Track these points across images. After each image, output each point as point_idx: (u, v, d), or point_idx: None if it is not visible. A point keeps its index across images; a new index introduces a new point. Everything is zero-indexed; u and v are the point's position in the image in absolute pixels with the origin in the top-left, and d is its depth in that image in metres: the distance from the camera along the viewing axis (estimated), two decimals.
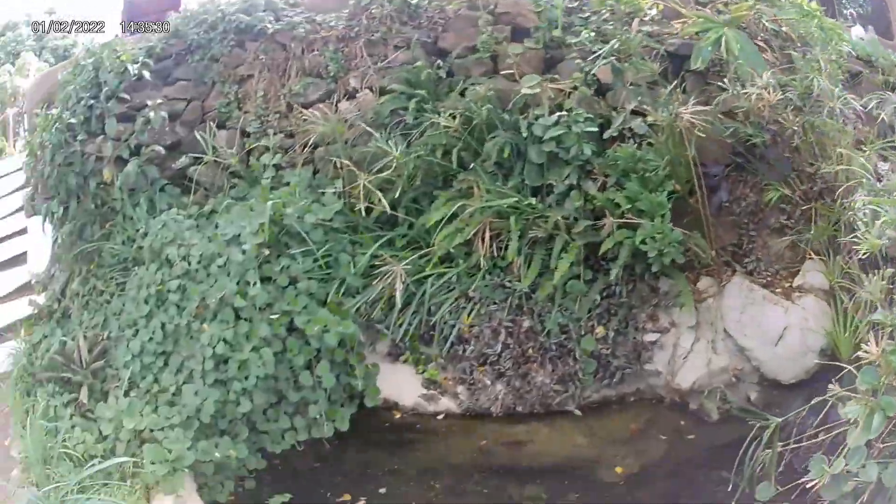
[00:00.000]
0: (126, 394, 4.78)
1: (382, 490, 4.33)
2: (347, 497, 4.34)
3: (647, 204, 4.49)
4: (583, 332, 4.42)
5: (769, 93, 4.45)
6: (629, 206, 4.50)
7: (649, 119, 4.66)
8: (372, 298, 4.64)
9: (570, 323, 4.42)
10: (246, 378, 4.42)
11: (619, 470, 4.27)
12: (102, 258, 5.44)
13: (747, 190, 4.78)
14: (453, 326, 4.53)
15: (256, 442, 4.59)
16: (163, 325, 4.84)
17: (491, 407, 4.45)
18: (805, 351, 4.26)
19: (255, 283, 4.54)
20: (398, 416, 4.62)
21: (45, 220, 5.78)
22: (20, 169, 7.25)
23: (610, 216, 4.50)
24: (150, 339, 4.86)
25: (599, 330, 4.43)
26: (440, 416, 4.55)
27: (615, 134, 4.77)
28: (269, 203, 4.71)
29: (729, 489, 3.71)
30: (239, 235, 4.77)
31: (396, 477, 4.46)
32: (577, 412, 4.40)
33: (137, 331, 4.94)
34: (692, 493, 4.16)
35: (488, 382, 4.46)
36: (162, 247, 5.00)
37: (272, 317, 4.50)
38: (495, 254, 4.64)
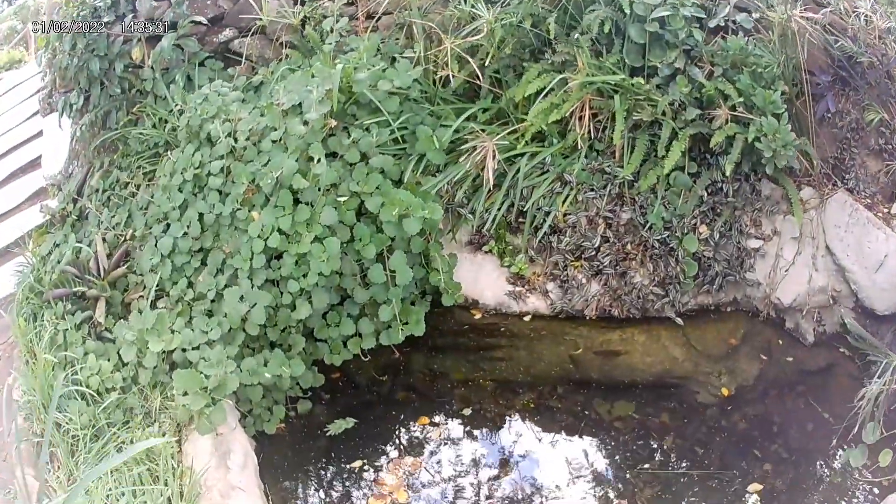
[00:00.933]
0: (153, 305, 3.88)
1: (467, 411, 3.68)
2: (424, 420, 3.65)
3: (761, 100, 4.06)
4: (685, 231, 3.94)
5: (877, 17, 4.23)
6: (740, 99, 4.06)
7: (755, 15, 4.25)
8: (455, 178, 3.93)
9: (673, 219, 3.92)
10: (305, 276, 3.63)
11: (724, 392, 3.84)
12: (128, 146, 4.64)
13: (849, 105, 4.47)
14: (547, 214, 3.91)
15: (312, 353, 3.81)
16: (200, 217, 3.98)
17: (585, 309, 3.88)
18: None
19: (319, 160, 3.72)
20: (478, 316, 3.95)
21: (62, 115, 4.96)
22: (39, 73, 6.03)
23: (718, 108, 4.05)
24: (185, 234, 3.99)
25: (703, 229, 3.97)
26: (526, 318, 3.93)
27: (721, 24, 4.32)
28: (339, 66, 3.88)
29: (828, 419, 3.37)
30: (300, 105, 3.92)
31: (475, 391, 3.82)
32: (678, 320, 3.92)
33: (169, 225, 4.06)
34: (789, 422, 3.81)
35: (583, 280, 3.88)
36: (202, 123, 4.10)
37: (339, 199, 3.70)
38: (592, 135, 4.06)
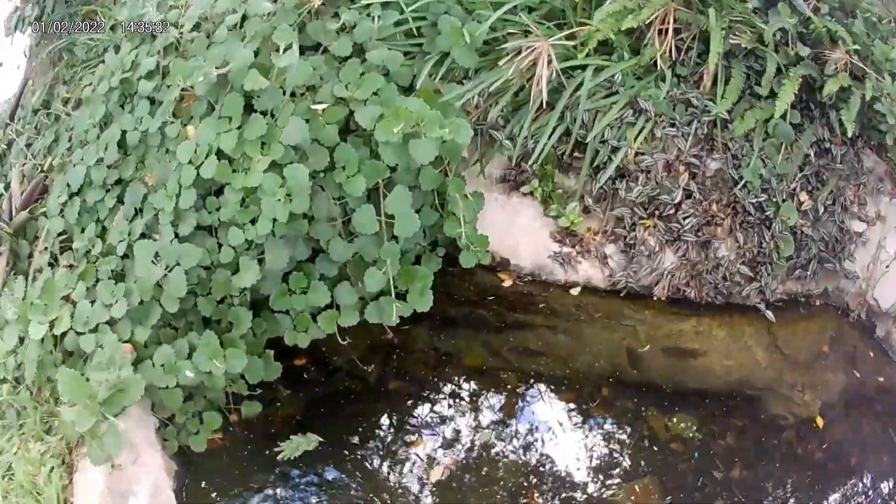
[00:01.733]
0: (51, 264, 2.63)
1: (480, 417, 2.56)
2: (417, 444, 2.52)
3: (880, 54, 3.14)
4: (784, 197, 2.96)
5: None
6: (855, 46, 3.13)
7: None
8: (490, 89, 2.75)
9: (772, 179, 2.93)
10: (253, 222, 2.36)
11: (817, 420, 2.90)
12: (74, 55, 3.69)
13: None
14: (615, 150, 2.81)
15: (266, 331, 2.57)
16: (123, 136, 2.74)
17: (654, 286, 2.82)
18: None
19: (288, 48, 2.46)
20: (507, 282, 2.81)
21: (14, 32, 4.20)
22: None
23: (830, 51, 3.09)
24: (99, 160, 2.63)
25: (804, 198, 3.00)
26: (573, 290, 2.83)
27: None
28: None
29: None
30: None
31: (493, 385, 2.70)
32: (769, 313, 2.93)
33: (88, 149, 2.70)
34: (876, 458, 2.94)
35: (655, 246, 2.82)
36: (142, 16, 2.76)
37: (315, 106, 2.47)
38: (674, 56, 2.99)
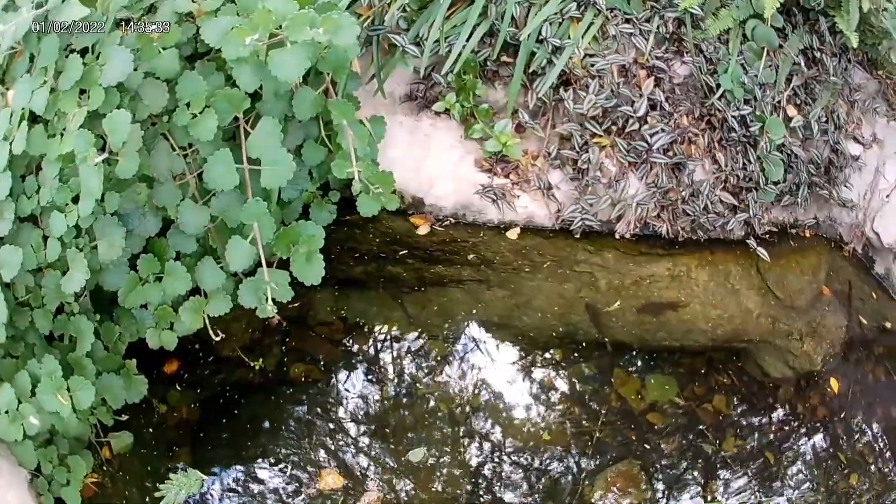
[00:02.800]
0: None
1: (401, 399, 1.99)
2: (329, 478, 1.92)
3: None
4: (769, 111, 2.40)
5: None
6: None
7: None
8: None
9: (755, 89, 2.36)
10: (76, 200, 1.78)
11: (819, 372, 2.39)
12: None
13: None
14: (557, 50, 2.20)
15: (122, 336, 1.98)
16: None
17: (616, 221, 2.23)
18: None
19: None
20: (423, 230, 2.19)
21: None
22: None
23: None
24: None
25: (793, 112, 2.45)
26: (511, 233, 2.22)
27: None
28: None
29: None
30: None
31: (417, 361, 2.10)
32: (761, 250, 2.39)
33: None
34: (878, 412, 2.47)
35: (615, 171, 2.23)
36: None
37: (146, 30, 1.82)
38: None
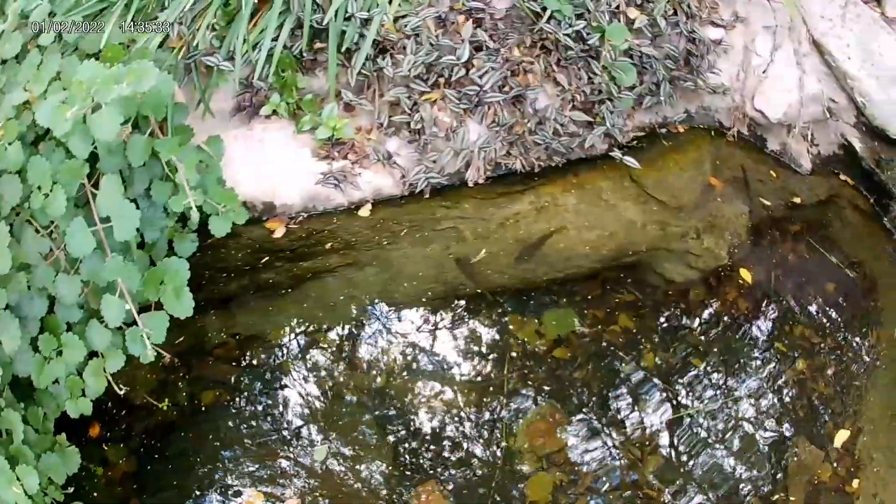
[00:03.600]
0: None
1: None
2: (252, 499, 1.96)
3: None
4: (608, 19, 2.33)
5: None
6: None
7: None
8: (189, 5, 2.13)
9: (586, 1, 2.30)
10: None
11: (728, 263, 2.33)
12: None
13: None
14: (366, 23, 2.18)
15: (47, 417, 2.10)
16: None
17: (465, 171, 2.22)
18: None
19: None
20: (279, 232, 2.21)
21: None
22: None
23: None
24: None
25: (634, 13, 2.38)
26: (363, 210, 2.22)
27: None
28: None
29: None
30: None
31: (315, 356, 2.13)
32: (629, 159, 2.33)
33: None
34: (808, 290, 2.41)
35: (452, 122, 2.21)
36: None
37: None
38: None
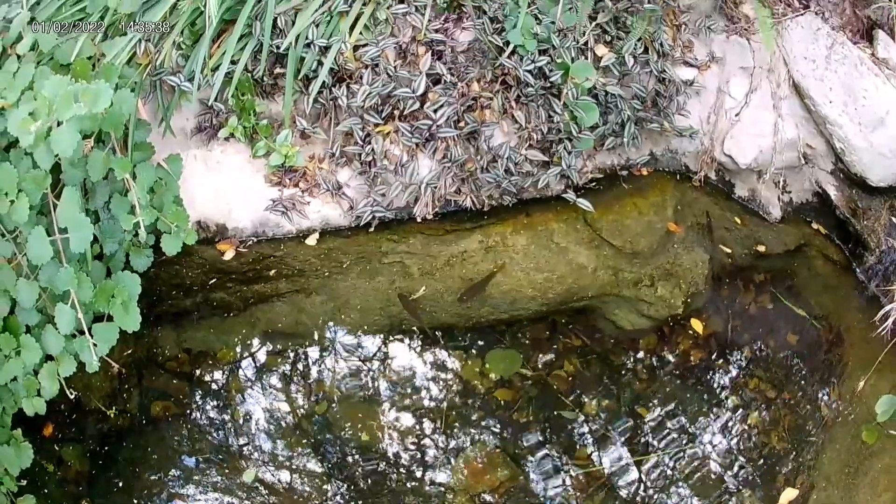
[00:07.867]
0: None
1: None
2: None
3: None
4: (574, 55, 2.30)
5: None
6: None
7: None
8: (156, 25, 2.15)
9: (552, 37, 2.27)
10: None
11: (683, 314, 2.29)
12: None
13: None
14: (324, 50, 2.18)
15: (5, 411, 2.16)
16: None
17: (413, 206, 2.20)
18: None
19: None
20: (229, 254, 2.21)
21: None
22: None
23: None
24: None
25: (602, 51, 2.35)
26: (311, 239, 2.22)
27: None
28: None
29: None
30: None
31: (263, 376, 2.15)
32: (583, 202, 2.29)
33: None
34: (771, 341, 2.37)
35: (403, 156, 2.19)
36: None
37: None
38: None
